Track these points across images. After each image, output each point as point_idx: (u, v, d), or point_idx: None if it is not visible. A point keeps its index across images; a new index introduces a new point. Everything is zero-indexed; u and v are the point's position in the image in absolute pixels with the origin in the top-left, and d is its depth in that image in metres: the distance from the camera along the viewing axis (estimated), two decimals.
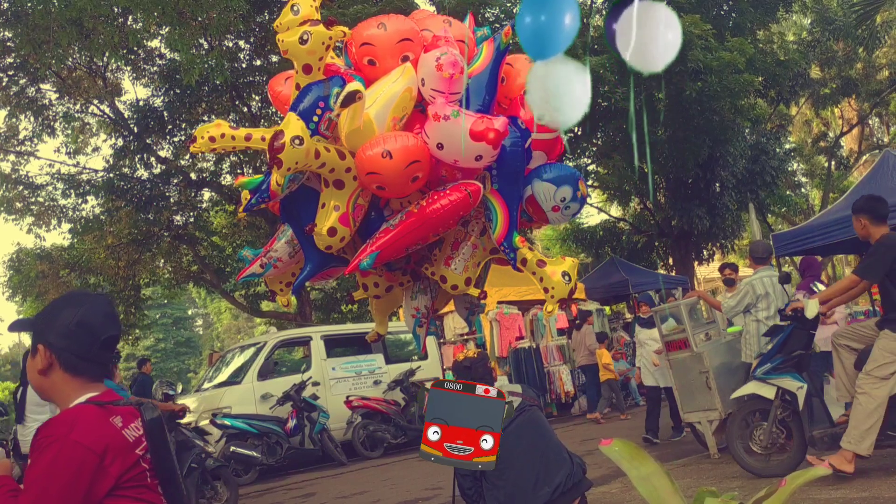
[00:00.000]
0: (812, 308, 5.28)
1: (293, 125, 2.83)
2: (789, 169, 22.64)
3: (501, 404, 1.92)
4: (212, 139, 3.20)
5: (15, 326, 2.16)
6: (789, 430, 5.51)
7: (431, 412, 2.00)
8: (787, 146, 21.61)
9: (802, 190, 28.17)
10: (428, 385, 2.36)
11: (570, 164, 19.25)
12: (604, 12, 18.23)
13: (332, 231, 3.10)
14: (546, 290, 3.35)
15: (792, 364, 5.43)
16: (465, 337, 13.53)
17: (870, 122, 28.18)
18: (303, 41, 3.05)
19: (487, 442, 1.92)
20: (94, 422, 1.86)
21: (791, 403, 5.42)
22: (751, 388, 5.65)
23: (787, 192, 22.57)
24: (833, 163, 26.31)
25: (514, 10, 14.93)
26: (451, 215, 3.08)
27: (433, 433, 1.97)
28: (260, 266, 3.53)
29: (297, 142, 2.79)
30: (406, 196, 3.26)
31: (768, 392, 5.51)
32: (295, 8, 3.15)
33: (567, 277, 3.31)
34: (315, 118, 3.07)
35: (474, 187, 3.09)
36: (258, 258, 3.54)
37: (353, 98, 2.87)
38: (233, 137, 3.22)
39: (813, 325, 5.43)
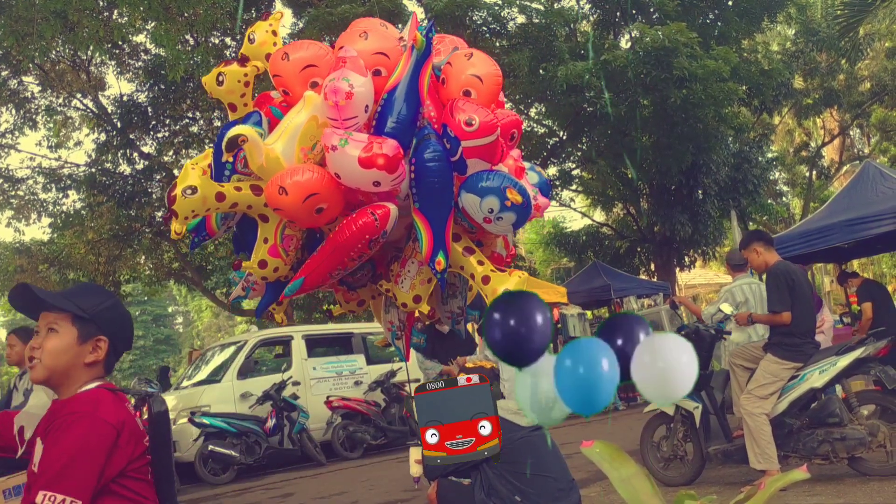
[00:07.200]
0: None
1: (190, 176, 2.82)
2: (771, 178, 22.87)
3: (486, 388, 1.93)
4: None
5: (55, 300, 1.93)
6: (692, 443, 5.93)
7: (423, 417, 2.00)
8: (770, 155, 21.81)
9: (784, 199, 28.45)
10: (414, 393, 2.33)
11: (554, 168, 19.32)
12: (591, 18, 18.33)
13: (262, 263, 3.08)
14: None
15: None
16: None
17: (851, 133, 28.49)
18: (219, 83, 3.07)
19: (486, 428, 1.92)
20: (113, 402, 1.89)
21: (690, 420, 5.82)
22: (656, 404, 6.03)
23: (769, 201, 22.78)
24: (814, 172, 26.59)
25: (502, 14, 14.96)
26: (357, 240, 2.94)
27: (431, 436, 1.96)
28: (242, 289, 3.56)
29: (188, 192, 2.78)
30: (332, 222, 3.15)
31: (669, 409, 5.92)
32: (252, 37, 3.15)
33: None
34: (231, 157, 3.06)
35: (382, 210, 2.92)
36: (242, 281, 3.58)
37: (235, 143, 2.83)
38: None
39: (708, 347, 5.87)
